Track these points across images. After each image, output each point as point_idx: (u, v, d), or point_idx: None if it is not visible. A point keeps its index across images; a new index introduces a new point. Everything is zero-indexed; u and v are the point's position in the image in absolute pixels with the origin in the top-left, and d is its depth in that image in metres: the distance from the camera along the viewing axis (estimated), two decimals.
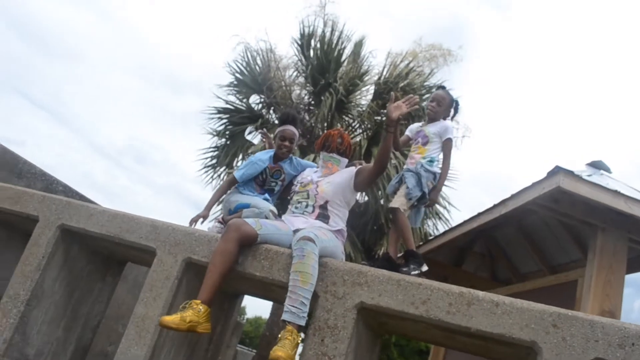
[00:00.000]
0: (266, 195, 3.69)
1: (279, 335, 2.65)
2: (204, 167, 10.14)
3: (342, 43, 9.22)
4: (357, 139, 9.86)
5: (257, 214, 3.32)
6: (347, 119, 9.63)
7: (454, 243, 7.08)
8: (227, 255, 2.85)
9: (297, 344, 2.65)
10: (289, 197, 3.48)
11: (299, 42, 9.48)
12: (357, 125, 9.64)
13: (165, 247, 3.20)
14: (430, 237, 7.57)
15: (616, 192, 4.19)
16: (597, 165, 5.17)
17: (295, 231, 3.01)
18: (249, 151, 9.16)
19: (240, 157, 10.03)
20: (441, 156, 3.76)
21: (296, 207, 3.29)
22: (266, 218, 3.27)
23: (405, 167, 3.76)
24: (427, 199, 3.62)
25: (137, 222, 3.39)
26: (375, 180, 3.57)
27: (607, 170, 5.17)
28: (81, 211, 3.63)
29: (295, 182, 3.53)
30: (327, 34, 9.20)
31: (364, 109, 9.53)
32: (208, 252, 3.06)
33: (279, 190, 3.80)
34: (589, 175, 4.51)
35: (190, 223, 3.54)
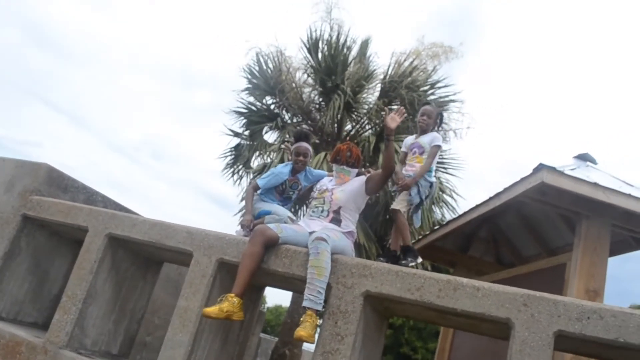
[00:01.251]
0: (286, 203, 4.26)
1: (301, 319, 3.23)
2: (226, 166, 10.72)
3: (347, 46, 9.73)
4: (366, 134, 10.36)
5: (277, 219, 3.89)
6: (355, 117, 10.13)
7: (460, 230, 7.57)
8: (254, 256, 3.41)
9: (316, 326, 3.23)
10: (307, 202, 4.01)
11: (307, 46, 9.99)
12: (366, 122, 10.15)
13: (200, 250, 3.76)
14: (436, 227, 8.08)
15: (595, 184, 4.67)
16: (583, 158, 5.65)
17: (311, 233, 3.56)
18: (267, 150, 9.73)
19: (257, 154, 10.58)
20: (435, 166, 4.29)
21: (313, 212, 3.84)
22: (285, 223, 3.83)
23: (405, 173, 4.22)
24: (425, 204, 4.16)
25: (174, 229, 3.96)
26: (384, 184, 4.10)
27: (593, 161, 5.64)
28: (125, 221, 4.21)
29: (314, 189, 4.07)
30: (334, 38, 9.71)
31: (371, 106, 10.03)
32: (237, 253, 3.61)
33: (295, 197, 4.36)
34: (572, 169, 4.99)
35: (244, 228, 4.06)
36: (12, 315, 4.83)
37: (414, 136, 4.43)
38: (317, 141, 10.13)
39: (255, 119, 10.20)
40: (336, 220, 3.76)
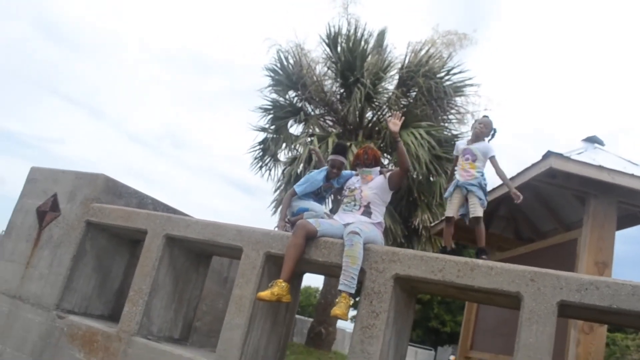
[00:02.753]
0: (320, 201, 4.82)
1: (336, 300, 3.79)
2: (254, 159, 11.31)
3: (365, 39, 10.17)
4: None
5: (315, 215, 4.44)
6: (375, 105, 10.60)
7: None
8: (297, 247, 3.97)
9: (349, 306, 3.78)
10: (339, 197, 4.55)
11: (327, 42, 10.46)
12: (386, 110, 10.59)
13: (249, 245, 4.33)
14: None
15: (600, 167, 5.12)
16: (591, 140, 6.08)
17: (345, 225, 4.10)
18: (293, 144, 10.28)
19: (284, 146, 11.08)
20: (485, 170, 4.78)
21: (347, 206, 4.39)
22: (322, 218, 4.37)
23: (462, 179, 4.72)
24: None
25: (225, 228, 4.53)
26: (403, 180, 4.66)
27: (601, 143, 6.07)
28: (180, 223, 4.80)
29: (345, 188, 4.60)
30: (351, 33, 10.16)
31: (390, 94, 10.47)
32: (282, 246, 4.17)
33: (328, 197, 4.92)
34: (580, 153, 5.44)
35: (279, 227, 4.65)
36: (82, 309, 5.47)
37: (465, 141, 4.89)
38: (341, 131, 10.62)
39: (280, 115, 10.72)
40: (367, 213, 4.30)
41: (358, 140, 9.86)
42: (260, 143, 11.31)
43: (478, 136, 4.83)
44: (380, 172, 4.60)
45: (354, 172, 4.92)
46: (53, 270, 5.37)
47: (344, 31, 10.26)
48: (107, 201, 5.56)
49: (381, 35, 10.98)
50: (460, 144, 4.95)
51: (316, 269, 4.40)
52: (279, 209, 4.96)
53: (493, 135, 4.95)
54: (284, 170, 10.77)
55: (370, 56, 10.27)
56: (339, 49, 10.29)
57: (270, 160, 11.16)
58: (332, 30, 10.37)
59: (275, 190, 11.00)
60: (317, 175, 4.83)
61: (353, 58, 9.91)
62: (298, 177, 10.03)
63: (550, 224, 7.98)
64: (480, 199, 4.63)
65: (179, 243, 4.93)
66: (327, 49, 10.55)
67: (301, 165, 10.04)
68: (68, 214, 5.55)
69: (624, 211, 5.73)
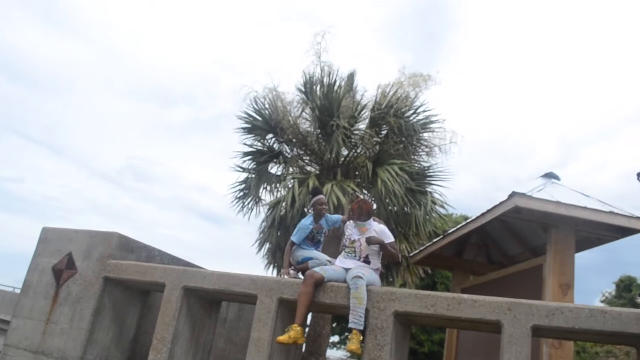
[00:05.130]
0: (317, 246, 5.47)
1: (349, 337, 4.42)
2: (235, 199, 11.83)
3: (338, 85, 10.95)
4: (362, 158, 11.45)
5: (318, 263, 5.08)
6: (350, 144, 11.29)
7: (454, 239, 8.82)
8: (308, 295, 4.61)
9: (361, 340, 4.41)
10: (340, 249, 5.18)
11: (303, 90, 11.21)
12: (360, 150, 11.31)
13: (263, 292, 4.93)
14: (435, 240, 9.32)
15: (558, 202, 5.94)
16: (549, 176, 6.94)
17: (347, 269, 4.75)
18: (275, 184, 10.94)
19: (265, 185, 11.61)
20: None
21: (348, 254, 5.01)
22: (325, 265, 5.02)
23: None
24: None
25: (239, 278, 5.12)
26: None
27: (557, 178, 6.94)
28: (196, 275, 5.36)
29: (344, 239, 5.21)
30: (326, 80, 10.94)
31: (362, 132, 11.20)
32: (293, 292, 4.78)
33: (323, 239, 5.57)
34: (539, 190, 6.25)
35: (282, 274, 5.28)
36: (102, 359, 5.93)
37: None
38: (318, 172, 11.28)
39: (260, 159, 11.35)
40: (366, 261, 4.95)
41: (337, 179, 10.50)
42: (241, 182, 11.83)
43: None
44: (374, 220, 5.26)
45: (340, 215, 5.61)
46: (74, 324, 5.83)
47: (317, 76, 11.04)
48: (121, 257, 6.06)
49: (351, 77, 11.75)
50: None
51: (324, 309, 5.03)
52: (283, 260, 5.61)
53: None
54: (267, 213, 11.34)
55: (343, 99, 10.99)
56: (315, 95, 11.01)
57: (251, 200, 11.68)
58: (308, 78, 11.14)
59: (261, 233, 11.62)
60: (305, 222, 5.52)
61: (329, 103, 10.61)
62: (282, 220, 10.59)
63: (517, 249, 8.80)
64: None
65: (194, 293, 5.47)
66: (304, 96, 11.28)
67: (283, 209, 10.61)
68: (85, 271, 6.02)
69: (580, 236, 6.55)
